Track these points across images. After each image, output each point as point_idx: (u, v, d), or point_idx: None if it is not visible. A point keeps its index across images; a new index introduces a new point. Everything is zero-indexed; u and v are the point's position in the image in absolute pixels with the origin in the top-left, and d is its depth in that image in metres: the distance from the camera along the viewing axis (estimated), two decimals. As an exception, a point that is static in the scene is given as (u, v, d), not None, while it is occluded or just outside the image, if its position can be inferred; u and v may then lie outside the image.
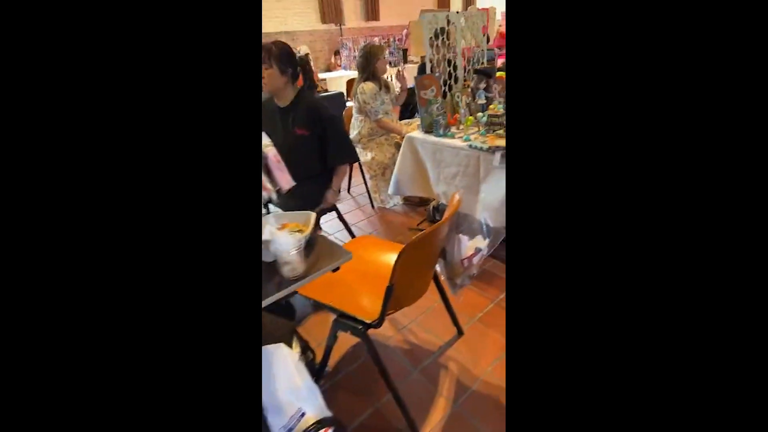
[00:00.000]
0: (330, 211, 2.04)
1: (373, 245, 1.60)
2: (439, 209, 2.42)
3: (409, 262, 1.05)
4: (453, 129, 2.06)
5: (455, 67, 2.29)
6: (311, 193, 1.82)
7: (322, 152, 1.81)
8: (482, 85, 2.20)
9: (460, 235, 1.33)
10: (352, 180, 3.17)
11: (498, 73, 2.27)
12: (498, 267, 2.04)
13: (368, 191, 2.86)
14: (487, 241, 1.29)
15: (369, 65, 2.57)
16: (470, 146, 1.82)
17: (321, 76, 5.82)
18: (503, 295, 1.83)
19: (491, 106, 2.11)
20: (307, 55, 4.53)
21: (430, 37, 2.14)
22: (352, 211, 2.87)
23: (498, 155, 1.71)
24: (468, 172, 1.89)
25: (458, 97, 2.11)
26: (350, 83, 4.24)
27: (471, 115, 2.07)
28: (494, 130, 1.94)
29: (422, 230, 2.50)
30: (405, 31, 6.96)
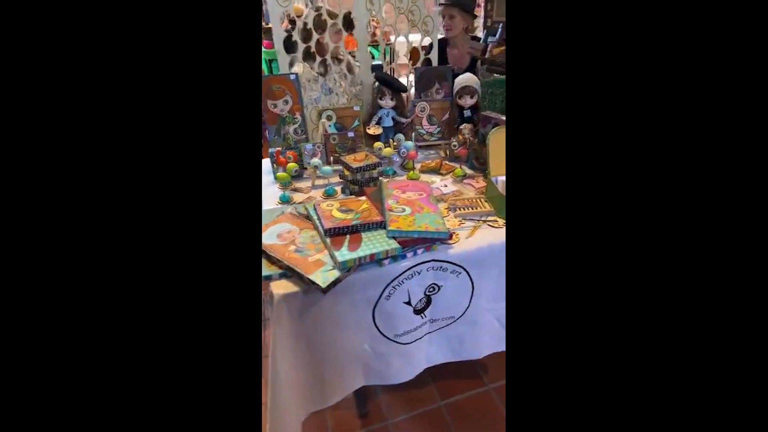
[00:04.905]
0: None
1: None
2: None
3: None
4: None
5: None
6: None
7: None
8: (386, 102, 1.28)
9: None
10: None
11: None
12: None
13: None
14: None
15: None
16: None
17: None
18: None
19: (377, 144, 1.21)
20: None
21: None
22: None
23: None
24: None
25: (326, 116, 1.25)
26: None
27: (312, 160, 1.13)
28: (351, 192, 1.09)
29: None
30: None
